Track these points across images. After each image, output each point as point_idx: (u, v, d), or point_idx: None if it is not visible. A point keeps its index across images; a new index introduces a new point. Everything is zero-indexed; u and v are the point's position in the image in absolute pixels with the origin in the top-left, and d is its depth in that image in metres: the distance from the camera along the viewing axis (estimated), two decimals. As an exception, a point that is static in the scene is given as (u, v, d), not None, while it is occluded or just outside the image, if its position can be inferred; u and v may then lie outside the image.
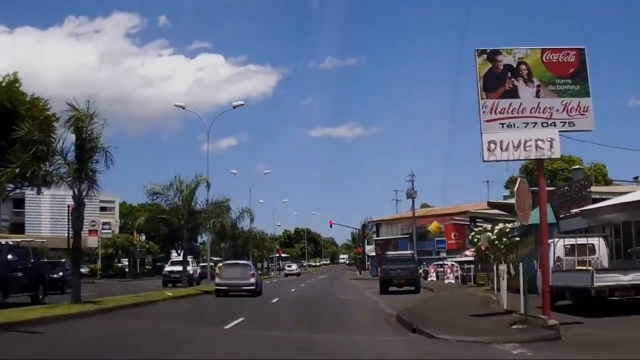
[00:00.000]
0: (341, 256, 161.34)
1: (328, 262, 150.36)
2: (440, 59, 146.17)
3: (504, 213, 35.87)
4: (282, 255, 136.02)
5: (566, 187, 31.96)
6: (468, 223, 46.48)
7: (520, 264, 17.39)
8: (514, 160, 16.06)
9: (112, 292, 29.33)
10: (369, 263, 77.53)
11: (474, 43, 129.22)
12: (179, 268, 36.39)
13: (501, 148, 15.31)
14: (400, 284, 31.86)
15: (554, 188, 35.83)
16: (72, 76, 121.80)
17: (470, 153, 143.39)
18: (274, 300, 25.66)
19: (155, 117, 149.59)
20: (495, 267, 25.73)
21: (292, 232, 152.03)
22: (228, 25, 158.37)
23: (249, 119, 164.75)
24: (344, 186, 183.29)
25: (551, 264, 17.14)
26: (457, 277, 43.14)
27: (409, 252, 39.27)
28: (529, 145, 15.28)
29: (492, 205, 38.08)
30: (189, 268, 36.72)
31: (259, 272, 39.59)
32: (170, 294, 27.06)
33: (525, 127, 15.23)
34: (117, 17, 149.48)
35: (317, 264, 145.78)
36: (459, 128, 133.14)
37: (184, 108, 40.95)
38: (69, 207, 70.83)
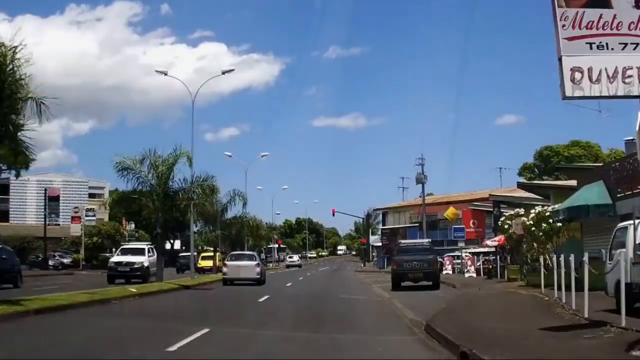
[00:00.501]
0: (339, 247, 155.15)
1: (327, 253, 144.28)
2: (446, 48, 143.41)
3: (537, 197, 30.53)
4: (282, 245, 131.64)
5: (617, 164, 26.58)
6: (491, 209, 41.02)
7: (603, 251, 12.51)
8: (609, 97, 10.77)
9: (81, 286, 24.65)
10: (374, 254, 72.18)
11: (480, 32, 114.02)
12: (133, 259, 29.18)
13: (590, 78, 10.40)
14: (415, 279, 26.60)
15: (601, 165, 30.50)
16: (73, 65, 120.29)
17: (476, 143, 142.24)
18: (261, 299, 20.37)
19: (156, 106, 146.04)
20: (543, 259, 20.74)
21: (293, 222, 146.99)
22: (231, 14, 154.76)
23: (251, 108, 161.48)
24: (347, 177, 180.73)
25: (630, 254, 12.09)
26: (478, 270, 37.79)
27: (425, 240, 33.85)
28: (630, 76, 10.33)
29: (523, 187, 32.68)
30: (141, 259, 29.33)
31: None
32: (135, 290, 21.76)
33: (623, 48, 10.47)
34: (119, 5, 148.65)
35: (319, 254, 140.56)
36: (464, 119, 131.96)
37: (165, 74, 36.30)
38: (46, 190, 66.39)
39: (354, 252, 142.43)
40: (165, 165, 28.38)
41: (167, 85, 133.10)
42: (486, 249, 38.54)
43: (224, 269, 30.51)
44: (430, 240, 34.69)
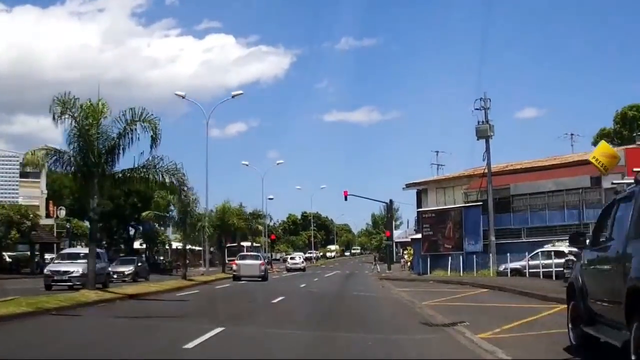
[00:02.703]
0: (354, 247, 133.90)
1: (334, 251, 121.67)
2: (465, 38, 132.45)
3: None
4: (280, 242, 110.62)
5: None
6: None
7: None
8: None
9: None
10: (405, 252, 50.29)
11: (500, 24, 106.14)
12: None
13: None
14: None
15: None
16: (74, 58, 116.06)
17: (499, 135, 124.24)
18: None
19: (161, 100, 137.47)
20: None
21: (299, 216, 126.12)
22: (239, 4, 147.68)
23: (260, 103, 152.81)
24: (359, 173, 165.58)
25: None
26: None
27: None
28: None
29: None
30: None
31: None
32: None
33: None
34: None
35: (328, 254, 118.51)
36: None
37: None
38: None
39: (370, 251, 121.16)
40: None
41: (171, 79, 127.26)
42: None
43: (234, 267, 35.45)
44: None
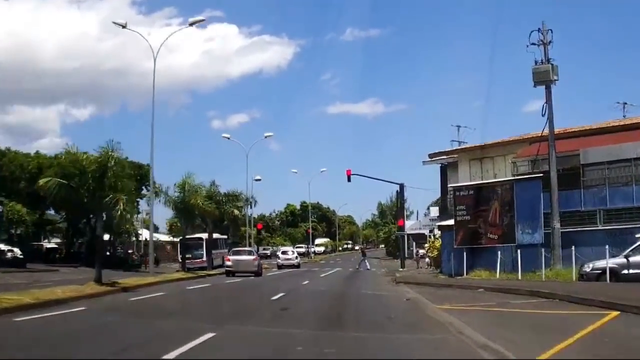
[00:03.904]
0: (345, 242, 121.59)
1: (325, 247, 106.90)
2: (475, 29, 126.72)
3: None
4: (276, 235, 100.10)
5: None
6: None
7: None
8: None
9: None
10: (427, 245, 38.92)
11: (512, 13, 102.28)
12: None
13: None
14: None
15: None
16: (72, 47, 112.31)
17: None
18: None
19: (161, 91, 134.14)
20: None
21: (298, 207, 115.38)
22: None
23: (262, 93, 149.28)
24: (363, 166, 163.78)
25: None
26: None
27: None
28: None
29: None
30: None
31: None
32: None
33: None
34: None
35: (329, 247, 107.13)
36: (496, 106, 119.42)
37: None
38: None
39: (381, 245, 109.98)
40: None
41: (172, 69, 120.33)
42: None
43: (227, 262, 33.59)
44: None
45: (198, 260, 38.48)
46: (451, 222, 29.12)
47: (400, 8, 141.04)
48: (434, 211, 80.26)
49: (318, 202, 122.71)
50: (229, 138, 51.25)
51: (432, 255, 34.00)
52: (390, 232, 74.56)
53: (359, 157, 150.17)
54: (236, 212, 39.19)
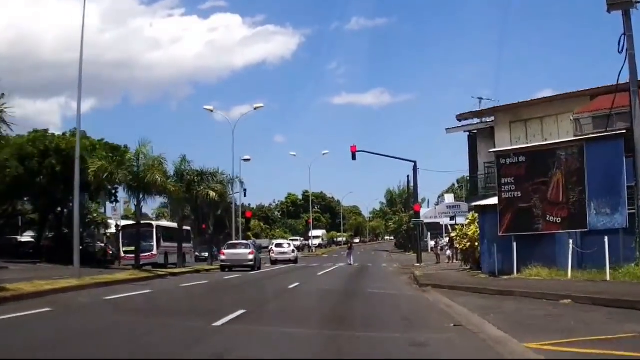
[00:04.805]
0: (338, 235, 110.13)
1: (321, 240, 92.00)
2: (483, 18, 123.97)
3: None
4: (277, 227, 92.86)
5: None
6: None
7: None
8: None
9: None
10: (455, 234, 30.35)
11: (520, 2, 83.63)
12: None
13: None
14: None
15: None
16: (72, 38, 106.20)
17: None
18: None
19: (163, 83, 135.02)
20: None
21: (300, 197, 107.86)
22: None
23: (266, 84, 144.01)
24: (370, 155, 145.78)
25: None
26: None
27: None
28: None
29: None
30: None
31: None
32: None
33: None
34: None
35: (334, 240, 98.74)
36: (503, 96, 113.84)
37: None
38: None
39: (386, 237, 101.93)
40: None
41: (174, 60, 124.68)
42: None
43: (221, 257, 32.08)
44: None
45: (146, 254, 30.94)
46: (492, 201, 21.31)
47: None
48: (449, 198, 72.49)
49: (322, 192, 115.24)
50: (212, 111, 44.23)
51: (461, 246, 26.32)
52: (401, 222, 66.62)
53: (365, 146, 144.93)
54: (212, 194, 31.29)
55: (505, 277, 19.55)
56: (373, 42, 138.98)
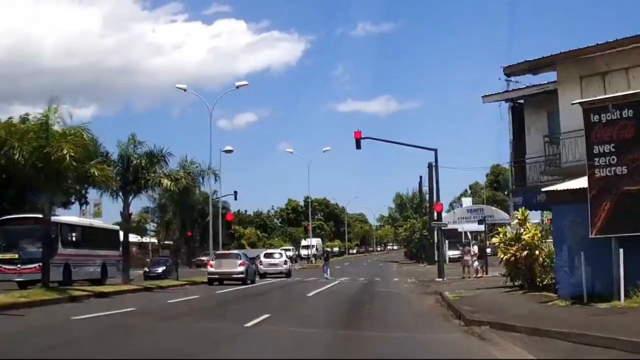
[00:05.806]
0: (326, 246, 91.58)
1: (313, 250, 76.38)
2: (489, 23, 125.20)
3: None
4: (275, 235, 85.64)
5: None
6: None
7: None
8: None
9: None
10: (502, 240, 22.27)
11: (526, 8, 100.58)
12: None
13: None
14: None
15: None
16: (73, 44, 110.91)
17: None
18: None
19: (165, 89, 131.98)
20: None
21: (301, 203, 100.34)
22: None
23: (271, 92, 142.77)
24: (375, 166, 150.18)
25: None
26: None
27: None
28: None
29: None
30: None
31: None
32: None
33: None
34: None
35: (333, 250, 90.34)
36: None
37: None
38: None
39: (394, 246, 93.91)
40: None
41: (176, 67, 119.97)
42: None
43: (209, 269, 29.34)
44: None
45: (30, 266, 20.28)
46: (573, 184, 13.48)
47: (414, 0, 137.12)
48: (466, 202, 64.28)
49: (325, 198, 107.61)
50: (185, 90, 37.28)
51: (507, 256, 18.63)
52: (413, 228, 58.70)
53: (371, 153, 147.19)
54: (166, 182, 22.87)
55: (603, 304, 11.94)
56: (379, 48, 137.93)
